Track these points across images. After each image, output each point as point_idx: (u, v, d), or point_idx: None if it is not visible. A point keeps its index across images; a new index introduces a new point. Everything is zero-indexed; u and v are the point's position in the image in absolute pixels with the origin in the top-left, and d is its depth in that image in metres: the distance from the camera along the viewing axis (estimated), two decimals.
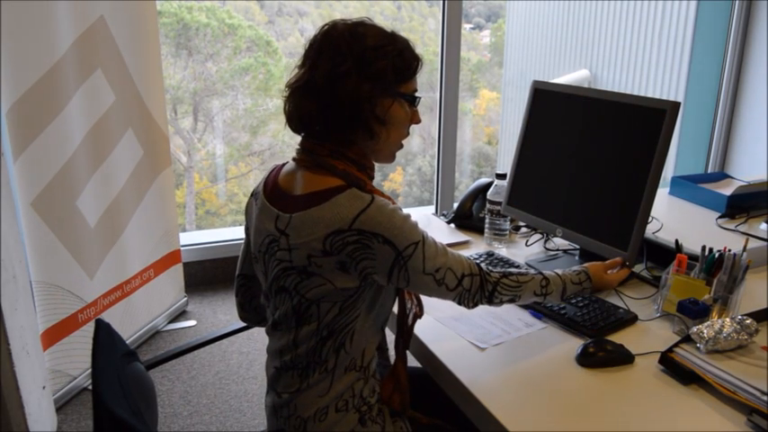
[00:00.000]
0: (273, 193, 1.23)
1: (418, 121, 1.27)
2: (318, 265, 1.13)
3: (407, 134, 1.26)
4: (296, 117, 1.20)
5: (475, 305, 1.25)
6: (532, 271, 1.35)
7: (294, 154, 1.25)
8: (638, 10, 6.27)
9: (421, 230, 1.17)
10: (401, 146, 1.27)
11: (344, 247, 1.11)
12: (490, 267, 1.34)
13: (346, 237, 1.10)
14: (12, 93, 1.96)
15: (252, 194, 1.33)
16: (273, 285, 1.22)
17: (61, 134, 2.13)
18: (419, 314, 1.32)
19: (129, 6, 2.37)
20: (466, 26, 9.76)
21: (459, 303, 1.24)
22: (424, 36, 9.50)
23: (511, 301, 1.28)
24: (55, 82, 2.09)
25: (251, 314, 1.46)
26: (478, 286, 1.23)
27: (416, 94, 1.24)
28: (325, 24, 1.19)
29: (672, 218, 2.06)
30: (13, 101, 1.96)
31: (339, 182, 1.15)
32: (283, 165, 1.27)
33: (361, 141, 1.19)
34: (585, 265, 1.42)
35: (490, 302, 1.26)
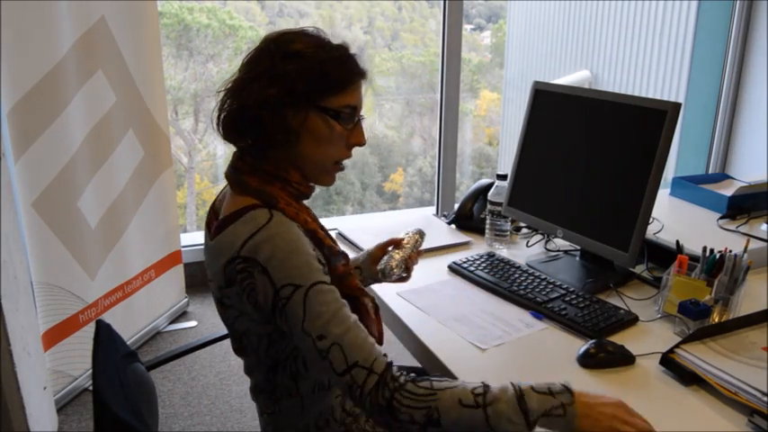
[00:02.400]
0: (210, 215, 1.19)
1: (358, 142, 1.13)
2: (228, 296, 1.08)
3: (344, 153, 1.13)
4: (218, 123, 1.12)
5: (372, 410, 0.96)
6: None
7: None
8: (639, 11, 6.28)
9: (319, 277, 1.01)
10: (339, 166, 1.15)
11: (236, 276, 1.03)
12: (413, 375, 0.98)
13: (236, 265, 1.02)
14: (13, 94, 1.96)
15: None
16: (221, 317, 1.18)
17: (62, 135, 2.13)
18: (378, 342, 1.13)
19: (129, 7, 2.38)
20: (467, 27, 9.77)
21: (354, 401, 0.99)
22: (425, 37, 9.51)
23: (427, 418, 0.94)
24: (56, 83, 2.09)
25: None
26: (372, 386, 0.95)
27: (355, 111, 1.11)
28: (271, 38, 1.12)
29: (673, 219, 2.06)
30: (15, 102, 1.97)
31: (251, 201, 1.07)
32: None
33: (275, 153, 1.10)
34: (567, 386, 0.98)
35: (392, 414, 0.95)
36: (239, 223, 1.04)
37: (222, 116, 1.09)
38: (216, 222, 1.10)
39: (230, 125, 1.09)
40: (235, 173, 1.11)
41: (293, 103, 1.05)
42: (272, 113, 1.05)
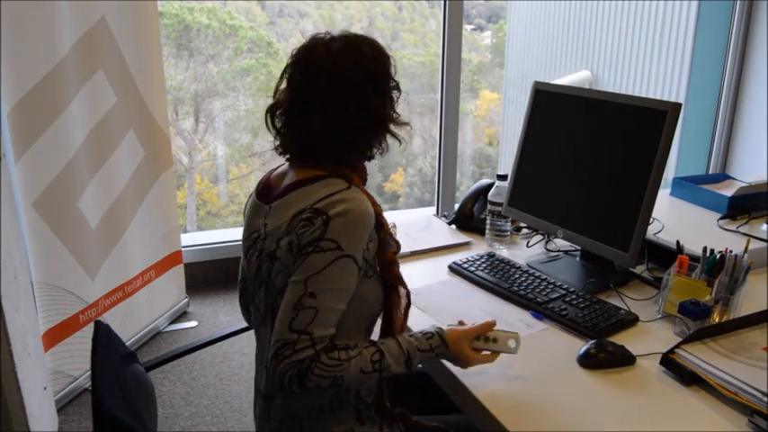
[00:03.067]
0: (263, 190, 1.26)
1: None
2: (281, 248, 1.13)
3: None
4: (292, 136, 1.20)
5: (283, 374, 1.05)
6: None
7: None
8: (639, 10, 6.28)
9: (358, 254, 1.10)
10: None
11: (298, 224, 1.10)
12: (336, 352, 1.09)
13: (303, 215, 1.10)
14: (13, 94, 1.96)
15: (250, 195, 1.33)
16: (256, 281, 1.22)
17: (62, 135, 2.13)
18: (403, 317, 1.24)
19: (130, 7, 2.38)
20: (467, 27, 9.77)
21: (272, 358, 1.07)
22: (426, 37, 9.50)
23: (333, 383, 1.07)
24: (56, 83, 2.09)
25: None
26: (303, 357, 1.05)
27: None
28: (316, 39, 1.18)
29: (673, 219, 2.06)
30: (15, 102, 1.97)
31: (324, 172, 1.16)
32: (278, 167, 1.29)
33: (354, 159, 1.21)
34: (444, 328, 1.19)
35: (301, 382, 1.05)
36: (317, 185, 1.14)
37: (309, 130, 1.16)
38: (286, 185, 1.19)
39: (325, 137, 1.16)
40: (304, 154, 1.20)
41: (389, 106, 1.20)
42: (381, 122, 1.18)
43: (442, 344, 1.17)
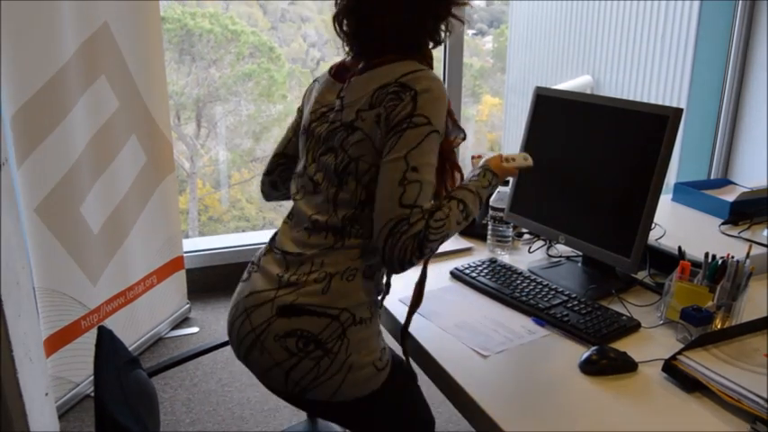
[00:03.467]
0: (339, 71, 1.36)
1: None
2: (363, 119, 1.22)
3: None
4: (366, 35, 1.29)
5: (403, 253, 1.14)
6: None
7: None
8: (641, 16, 6.28)
9: (442, 129, 1.22)
10: None
11: (385, 97, 1.20)
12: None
13: (389, 89, 1.20)
14: (16, 99, 1.97)
15: (314, 80, 1.43)
16: (320, 149, 1.30)
17: (65, 140, 2.14)
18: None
19: (132, 12, 2.38)
20: (468, 32, 9.78)
21: (388, 238, 1.14)
22: None
23: (441, 242, 1.19)
24: (59, 88, 2.09)
25: (281, 192, 1.54)
26: (419, 229, 1.14)
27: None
28: None
29: (675, 224, 2.06)
30: (18, 107, 1.97)
31: (402, 58, 1.25)
32: (340, 62, 1.38)
33: (425, 47, 1.31)
34: (484, 161, 1.39)
35: (421, 252, 1.15)
36: (397, 64, 1.23)
37: (386, 25, 1.25)
38: (364, 65, 1.27)
39: (402, 30, 1.27)
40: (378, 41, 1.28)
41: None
42: (445, 5, 1.28)
43: (494, 176, 1.35)
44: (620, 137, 1.56)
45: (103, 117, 2.33)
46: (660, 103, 6.00)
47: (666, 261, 1.64)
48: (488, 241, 1.86)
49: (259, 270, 1.35)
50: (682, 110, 1.44)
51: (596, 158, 1.61)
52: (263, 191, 1.58)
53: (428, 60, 1.31)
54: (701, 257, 1.45)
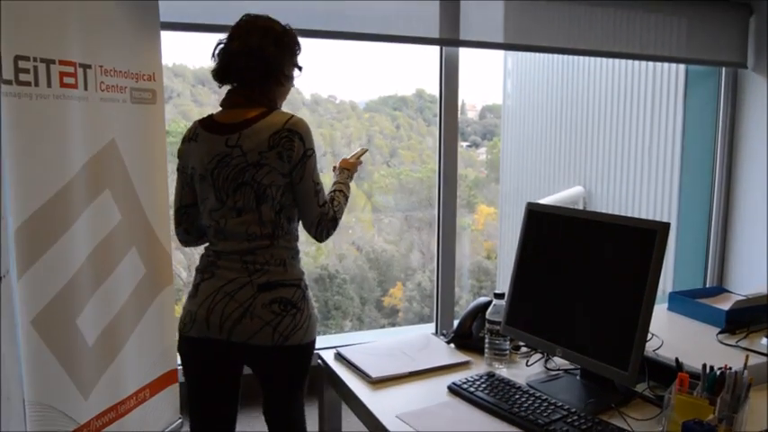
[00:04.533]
0: (214, 128, 1.84)
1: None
2: (266, 158, 1.75)
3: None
4: (227, 71, 1.85)
5: (329, 233, 1.86)
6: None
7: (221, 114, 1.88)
8: (627, 129, 6.53)
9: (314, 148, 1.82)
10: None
11: (280, 140, 1.75)
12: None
13: (281, 134, 1.75)
14: (22, 212, 2.00)
15: (184, 141, 1.94)
16: (229, 188, 1.80)
17: (66, 253, 2.16)
18: None
19: (139, 128, 2.47)
20: (462, 144, 10.10)
21: (317, 227, 1.83)
22: (423, 153, 9.81)
23: (341, 214, 1.92)
24: (64, 202, 2.14)
25: (193, 236, 2.02)
26: (332, 215, 1.86)
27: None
28: (245, 15, 1.86)
29: (672, 334, 2.06)
30: (23, 220, 2.00)
31: (266, 109, 1.81)
32: (209, 115, 1.90)
33: (270, 90, 1.86)
34: (339, 165, 2.12)
35: (335, 227, 1.88)
36: (274, 114, 1.80)
37: (238, 68, 1.83)
38: (241, 122, 1.79)
39: (248, 72, 1.83)
40: (244, 99, 1.84)
41: (291, 61, 1.91)
42: (284, 68, 1.88)
43: (347, 170, 2.09)
44: (611, 251, 1.59)
45: (105, 230, 2.36)
46: (652, 210, 6.13)
47: (665, 372, 1.63)
48: (486, 355, 1.85)
49: (221, 268, 1.83)
50: (669, 224, 1.48)
51: (589, 272, 1.64)
52: (180, 240, 2.05)
53: (280, 104, 1.91)
54: (699, 368, 1.45)
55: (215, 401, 1.93)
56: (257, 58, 1.79)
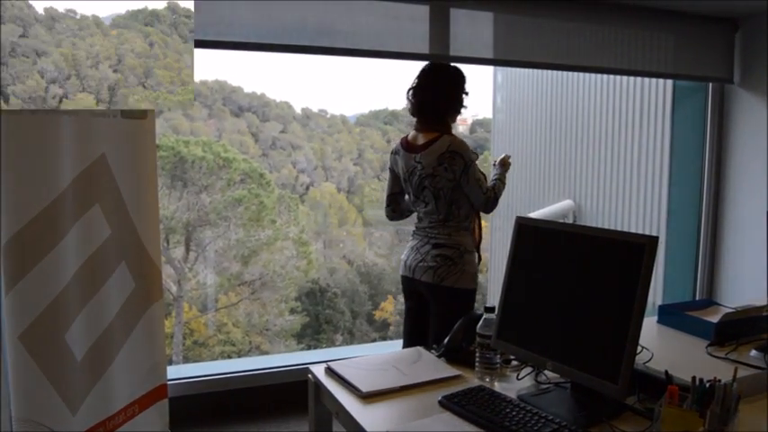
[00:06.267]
0: (408, 147, 2.67)
1: None
2: (437, 171, 2.55)
3: None
4: (421, 110, 2.65)
5: (494, 205, 2.64)
6: None
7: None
8: (616, 143, 6.57)
9: (474, 158, 2.59)
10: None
11: (445, 159, 2.53)
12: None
13: (445, 155, 2.54)
14: (10, 227, 2.00)
15: (392, 153, 2.74)
16: (417, 189, 2.64)
17: (55, 267, 2.15)
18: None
19: (129, 142, 2.46)
20: None
21: (484, 204, 2.62)
22: None
23: (500, 197, 2.70)
24: (53, 216, 2.13)
25: (397, 213, 2.86)
26: (495, 197, 2.65)
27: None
28: (431, 63, 2.74)
29: (662, 347, 2.06)
30: (11, 235, 2.00)
31: (439, 134, 2.58)
32: (407, 135, 2.71)
33: (444, 119, 2.65)
34: (499, 161, 2.88)
35: (496, 202, 2.65)
36: (443, 138, 2.56)
37: (430, 107, 2.64)
38: (421, 144, 2.61)
39: (435, 110, 2.65)
40: (427, 125, 2.64)
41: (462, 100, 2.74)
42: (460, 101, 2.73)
43: (504, 167, 2.85)
44: (600, 265, 1.60)
45: (95, 245, 2.35)
46: (642, 223, 6.15)
47: (655, 385, 1.63)
48: (477, 368, 1.85)
49: (415, 236, 2.73)
50: (657, 238, 1.49)
51: (579, 286, 1.64)
52: (387, 216, 2.89)
53: (450, 130, 2.64)
54: (688, 380, 1.45)
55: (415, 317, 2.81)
56: (441, 99, 2.62)
